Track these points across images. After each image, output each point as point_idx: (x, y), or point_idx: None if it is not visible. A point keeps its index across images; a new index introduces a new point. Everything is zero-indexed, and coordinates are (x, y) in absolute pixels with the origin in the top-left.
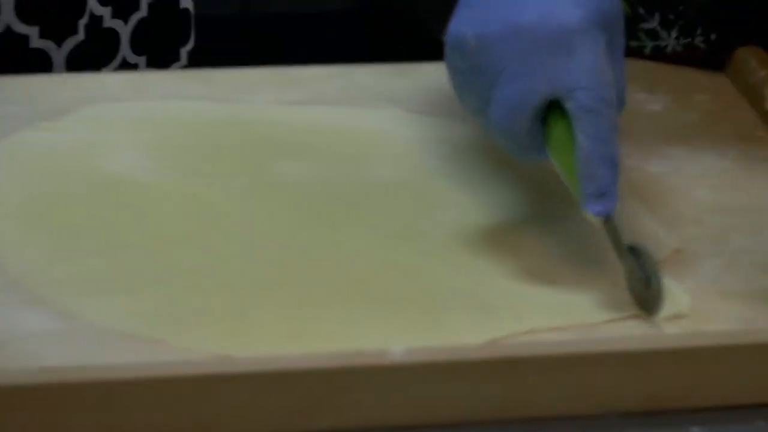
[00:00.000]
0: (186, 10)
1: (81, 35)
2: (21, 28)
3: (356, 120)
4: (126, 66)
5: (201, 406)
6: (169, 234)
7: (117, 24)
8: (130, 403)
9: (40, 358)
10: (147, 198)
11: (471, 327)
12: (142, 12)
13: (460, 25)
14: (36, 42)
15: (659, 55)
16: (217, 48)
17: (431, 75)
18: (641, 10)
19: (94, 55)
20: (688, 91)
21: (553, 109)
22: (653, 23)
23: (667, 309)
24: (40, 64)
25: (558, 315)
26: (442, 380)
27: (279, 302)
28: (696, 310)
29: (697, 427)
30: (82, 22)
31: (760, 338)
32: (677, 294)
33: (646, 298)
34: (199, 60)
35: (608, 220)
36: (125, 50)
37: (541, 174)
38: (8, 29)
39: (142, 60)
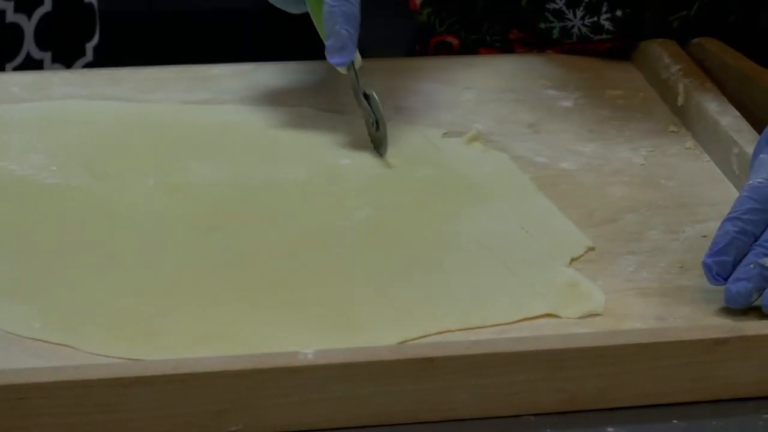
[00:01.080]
0: (90, 5)
1: None
2: None
3: (265, 119)
4: (30, 61)
5: (112, 410)
6: (76, 236)
7: (20, 19)
8: (39, 407)
9: None
10: (53, 200)
11: (384, 327)
12: (46, 7)
13: None
14: None
15: (568, 40)
16: (123, 44)
17: (339, 72)
18: None
19: None
20: (600, 87)
21: None
22: (559, 4)
23: (581, 308)
24: None
25: (471, 315)
26: (354, 381)
27: (189, 305)
28: (610, 309)
29: (613, 427)
30: None
31: (674, 336)
32: (591, 292)
33: (376, 138)
34: (105, 56)
35: (348, 69)
36: (29, 45)
37: (449, 175)
38: None
39: (47, 55)
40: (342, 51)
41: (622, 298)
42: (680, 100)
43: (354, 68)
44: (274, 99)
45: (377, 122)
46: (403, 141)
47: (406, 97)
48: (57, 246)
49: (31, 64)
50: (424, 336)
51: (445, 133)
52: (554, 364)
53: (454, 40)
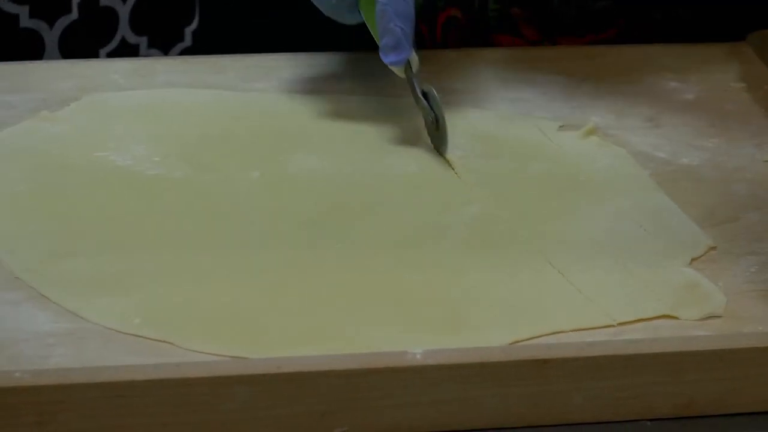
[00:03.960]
0: None
1: (74, 14)
2: (10, 7)
3: (374, 109)
4: (126, 46)
5: (212, 410)
6: (177, 230)
7: (115, 2)
8: (137, 406)
9: (43, 359)
10: (154, 192)
11: (494, 327)
12: None
13: None
14: (26, 22)
15: (567, 8)
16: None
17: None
18: None
19: (90, 35)
20: (723, 79)
21: None
22: None
23: (700, 309)
24: (31, 45)
25: (585, 315)
26: (464, 383)
27: (292, 301)
28: (731, 311)
29: None
30: (76, 0)
31: None
32: (711, 294)
33: (436, 137)
34: (205, 41)
35: (405, 68)
36: (124, 30)
37: (564, 170)
38: None
39: (143, 40)
40: (396, 49)
41: (743, 299)
42: None
43: (410, 68)
44: (383, 89)
45: (437, 120)
46: (517, 134)
47: (521, 88)
48: (158, 240)
49: (126, 50)
50: (536, 336)
51: (560, 126)
52: (672, 367)
53: (458, 14)
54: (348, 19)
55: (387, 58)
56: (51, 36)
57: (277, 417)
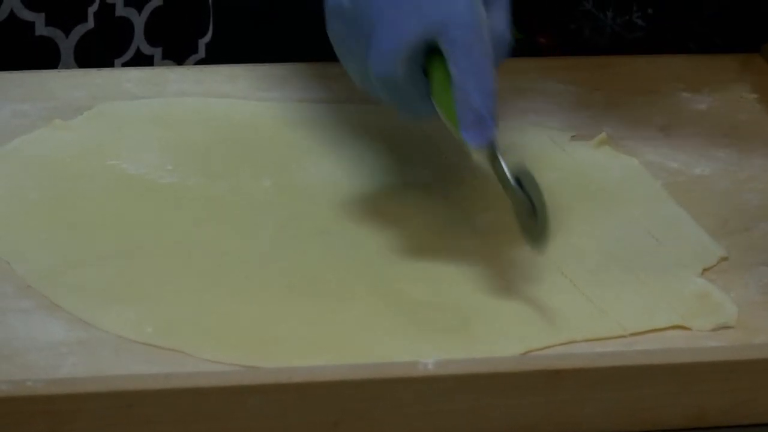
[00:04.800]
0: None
1: (90, 23)
2: (26, 14)
3: (386, 118)
4: (140, 57)
5: (224, 419)
6: (190, 238)
7: (130, 13)
8: (149, 415)
9: (56, 368)
10: (167, 200)
11: (506, 337)
12: (157, 1)
13: None
14: (42, 30)
15: (600, 39)
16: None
17: None
18: None
19: (105, 45)
20: (735, 89)
21: (433, 56)
22: (587, 6)
23: (713, 320)
24: (47, 53)
25: (597, 325)
26: (475, 393)
27: (304, 310)
28: (743, 322)
29: None
30: (92, 9)
31: None
32: (723, 304)
33: (533, 230)
34: (219, 53)
35: (490, 150)
36: (139, 41)
37: (576, 180)
38: (12, 16)
39: (157, 51)
40: (479, 126)
41: (755, 310)
42: None
43: (497, 150)
44: None
45: (534, 210)
46: (529, 144)
47: (532, 97)
48: (171, 248)
49: (141, 60)
50: (548, 347)
51: (573, 136)
52: (684, 378)
53: None
54: (421, 111)
55: (469, 137)
56: (66, 45)
57: (289, 427)
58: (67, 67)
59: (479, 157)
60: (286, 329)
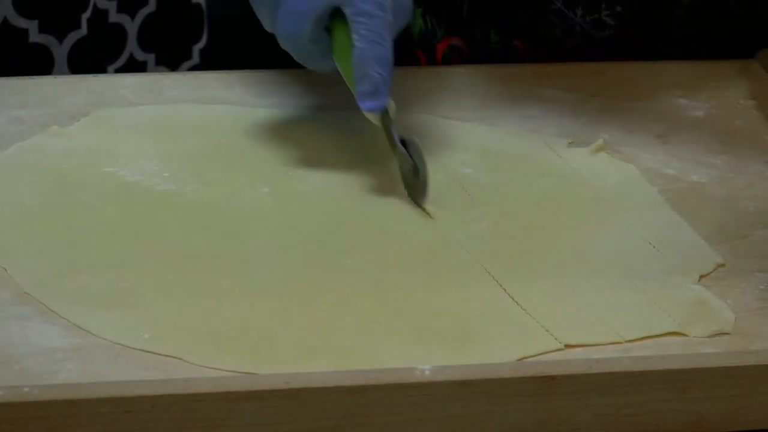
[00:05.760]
0: (198, 5)
1: (84, 30)
2: (19, 21)
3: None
4: (133, 63)
5: (220, 425)
6: (187, 245)
7: (123, 19)
8: (146, 421)
9: (52, 374)
10: (164, 207)
11: (503, 343)
12: (150, 6)
13: None
14: (35, 37)
15: (570, 39)
16: (232, 47)
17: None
18: None
19: (99, 51)
20: (732, 96)
21: (337, 18)
22: (557, 4)
23: (709, 326)
24: (40, 60)
25: (594, 331)
26: (472, 399)
27: (302, 317)
28: (739, 328)
29: None
30: (85, 16)
31: None
32: (720, 311)
33: (414, 186)
34: (213, 59)
35: (383, 115)
36: (132, 47)
37: (572, 187)
38: (5, 23)
39: (150, 57)
40: (374, 95)
41: (752, 317)
42: None
43: (389, 115)
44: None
45: (416, 170)
46: (526, 150)
47: (529, 104)
48: (167, 255)
49: (134, 66)
50: (544, 353)
51: (570, 143)
52: (680, 384)
53: (460, 43)
54: (322, 67)
55: (364, 105)
56: (60, 51)
57: (291, 429)
58: (61, 73)
59: (372, 119)
60: (283, 335)
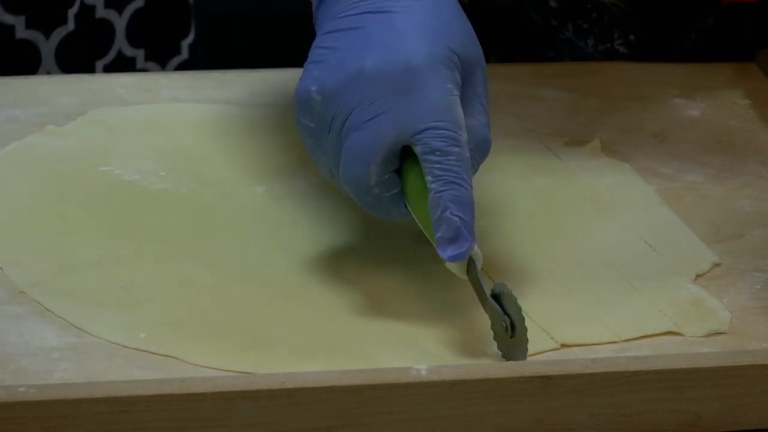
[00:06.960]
0: (185, 0)
1: (71, 26)
2: (6, 18)
3: None
4: (122, 59)
5: (217, 425)
6: (182, 244)
7: (111, 14)
8: (142, 420)
9: (48, 373)
10: (160, 206)
11: None
12: (138, 2)
13: (305, 82)
14: (22, 33)
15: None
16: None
17: None
18: (554, 22)
19: (87, 47)
20: (729, 95)
21: (408, 159)
22: (567, 34)
23: (705, 326)
24: (27, 56)
25: (590, 331)
26: (468, 399)
27: (298, 316)
28: (736, 328)
29: None
30: (72, 11)
31: None
32: (716, 310)
33: (507, 342)
34: (201, 54)
35: (468, 265)
36: (120, 42)
37: (569, 186)
38: None
39: (139, 53)
40: (455, 241)
41: (748, 316)
42: None
43: (474, 264)
44: None
45: (512, 326)
46: (523, 150)
47: (526, 103)
48: (163, 254)
49: (123, 62)
50: (540, 352)
51: (566, 142)
52: (676, 384)
53: None
54: (393, 214)
55: (445, 253)
56: (47, 47)
57: (287, 428)
58: (49, 70)
59: (456, 271)
60: (279, 335)
